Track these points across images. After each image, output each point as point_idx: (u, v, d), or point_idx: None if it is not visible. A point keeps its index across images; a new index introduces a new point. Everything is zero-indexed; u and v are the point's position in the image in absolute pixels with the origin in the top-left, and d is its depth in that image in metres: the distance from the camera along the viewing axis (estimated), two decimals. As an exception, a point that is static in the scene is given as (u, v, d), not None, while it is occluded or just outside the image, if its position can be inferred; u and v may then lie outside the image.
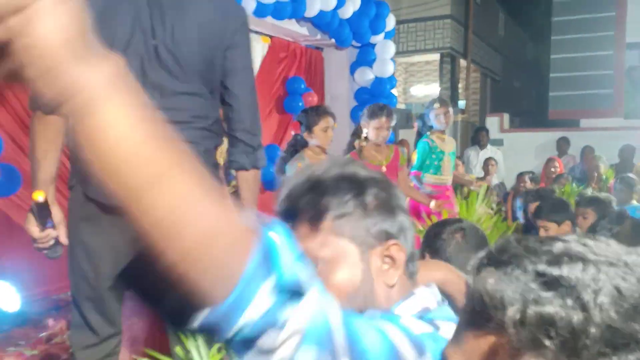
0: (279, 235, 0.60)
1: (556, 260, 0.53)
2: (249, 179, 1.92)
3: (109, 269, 1.76)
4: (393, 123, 4.00)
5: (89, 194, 1.69)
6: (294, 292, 0.59)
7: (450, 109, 4.67)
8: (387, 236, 0.90)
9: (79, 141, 0.44)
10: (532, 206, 3.81)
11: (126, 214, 0.49)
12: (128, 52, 1.65)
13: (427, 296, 0.91)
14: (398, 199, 0.93)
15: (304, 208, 0.88)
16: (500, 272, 0.54)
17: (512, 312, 0.50)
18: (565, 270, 0.51)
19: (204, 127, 1.81)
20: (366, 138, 3.98)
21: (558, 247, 0.54)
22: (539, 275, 0.52)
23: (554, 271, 0.51)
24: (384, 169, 3.98)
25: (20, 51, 0.38)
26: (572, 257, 0.53)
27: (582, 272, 0.51)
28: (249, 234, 0.56)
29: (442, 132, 4.69)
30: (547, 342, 0.49)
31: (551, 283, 0.51)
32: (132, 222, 0.49)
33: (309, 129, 3.39)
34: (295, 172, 1.03)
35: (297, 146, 3.49)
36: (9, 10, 0.35)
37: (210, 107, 1.84)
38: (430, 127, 4.68)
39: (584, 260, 0.52)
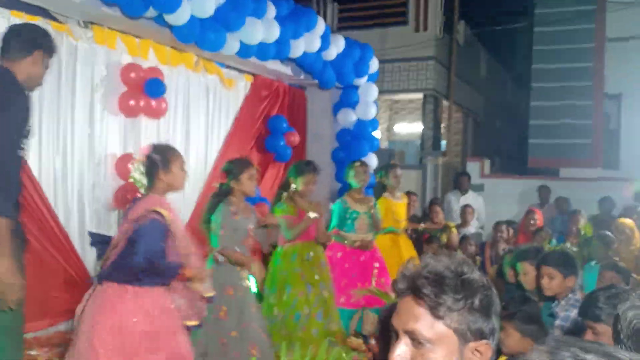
0: None
1: None
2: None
3: None
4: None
5: None
6: None
7: (369, 170, 5.01)
8: (482, 335, 1.11)
9: None
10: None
11: None
12: None
13: None
14: (497, 306, 1.14)
15: (426, 295, 1.10)
16: None
17: None
18: None
19: None
20: (296, 191, 4.26)
21: None
22: None
23: None
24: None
25: None
26: None
27: None
28: None
29: (359, 191, 4.87)
30: None
31: None
32: None
33: (236, 177, 3.61)
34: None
35: (220, 196, 3.65)
36: None
37: None
38: (350, 186, 4.89)
39: None
